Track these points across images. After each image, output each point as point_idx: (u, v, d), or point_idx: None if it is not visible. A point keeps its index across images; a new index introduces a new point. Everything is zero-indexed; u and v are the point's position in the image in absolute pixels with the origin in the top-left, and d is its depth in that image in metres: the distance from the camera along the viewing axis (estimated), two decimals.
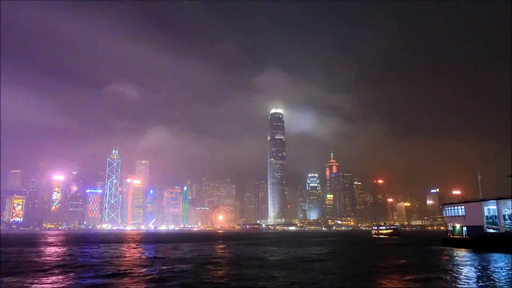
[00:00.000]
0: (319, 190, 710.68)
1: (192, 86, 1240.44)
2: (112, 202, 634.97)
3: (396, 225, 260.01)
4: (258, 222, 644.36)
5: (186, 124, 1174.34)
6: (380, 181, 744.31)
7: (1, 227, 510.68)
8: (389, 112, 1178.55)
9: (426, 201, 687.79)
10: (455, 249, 79.95)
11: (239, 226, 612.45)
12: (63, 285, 36.88)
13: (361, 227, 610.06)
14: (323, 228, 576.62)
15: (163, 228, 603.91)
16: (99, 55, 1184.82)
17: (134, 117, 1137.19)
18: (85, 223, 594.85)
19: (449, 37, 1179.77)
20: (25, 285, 36.53)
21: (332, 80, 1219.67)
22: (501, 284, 37.23)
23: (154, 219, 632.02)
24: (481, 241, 75.44)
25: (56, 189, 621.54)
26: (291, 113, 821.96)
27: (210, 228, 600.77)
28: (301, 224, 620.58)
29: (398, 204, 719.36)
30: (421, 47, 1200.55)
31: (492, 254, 65.55)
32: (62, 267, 51.14)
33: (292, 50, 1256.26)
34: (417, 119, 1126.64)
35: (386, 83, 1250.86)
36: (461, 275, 42.80)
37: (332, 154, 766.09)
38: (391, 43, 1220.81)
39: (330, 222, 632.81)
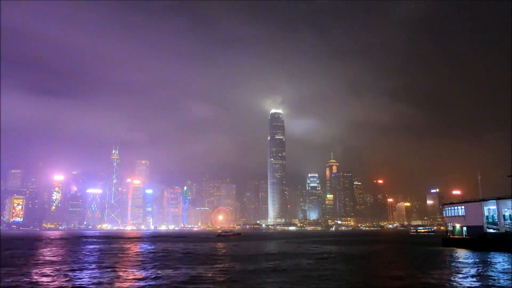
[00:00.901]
0: (319, 190, 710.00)
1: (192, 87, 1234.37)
2: (112, 202, 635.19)
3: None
4: (258, 222, 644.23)
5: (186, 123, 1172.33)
6: (380, 181, 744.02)
7: (1, 227, 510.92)
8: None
9: (426, 201, 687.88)
10: (455, 249, 79.89)
11: (239, 226, 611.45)
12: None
13: (361, 227, 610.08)
14: (349, 228, 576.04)
15: (163, 228, 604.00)
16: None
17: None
18: (85, 223, 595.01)
19: (450, 38, 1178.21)
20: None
21: (334, 79, 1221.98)
22: (501, 284, 37.18)
23: (151, 219, 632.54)
24: (481, 241, 75.35)
25: (56, 189, 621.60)
26: (291, 113, 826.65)
27: (210, 228, 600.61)
28: (301, 224, 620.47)
29: (398, 204, 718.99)
30: (422, 49, 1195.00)
31: (492, 254, 65.49)
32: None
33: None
34: (417, 119, 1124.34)
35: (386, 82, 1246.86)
36: (461, 275, 42.75)
37: (332, 154, 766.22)
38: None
39: (330, 222, 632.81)
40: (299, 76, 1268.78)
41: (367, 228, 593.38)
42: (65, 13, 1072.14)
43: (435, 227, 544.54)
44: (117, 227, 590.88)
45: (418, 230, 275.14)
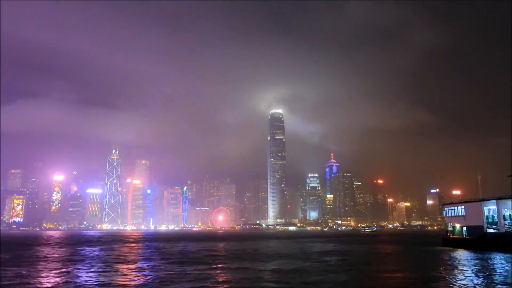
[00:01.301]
0: (319, 190, 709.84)
1: (191, 86, 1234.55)
2: (112, 202, 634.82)
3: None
4: (258, 222, 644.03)
5: (186, 124, 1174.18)
6: (380, 181, 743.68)
7: (1, 227, 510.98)
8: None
9: (426, 201, 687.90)
10: (455, 249, 79.94)
11: (239, 226, 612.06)
12: None
13: (361, 227, 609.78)
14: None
15: (163, 228, 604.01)
16: None
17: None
18: (85, 223, 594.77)
19: (452, 39, 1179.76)
20: None
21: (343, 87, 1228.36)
22: (501, 284, 37.23)
23: (151, 219, 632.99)
24: (481, 241, 75.41)
25: (56, 189, 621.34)
26: (291, 113, 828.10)
27: (210, 228, 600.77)
28: (301, 224, 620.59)
29: (398, 204, 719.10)
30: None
31: (492, 254, 65.53)
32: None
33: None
34: (417, 119, 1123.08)
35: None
36: (461, 275, 42.80)
37: (332, 154, 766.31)
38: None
39: (330, 222, 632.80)
40: (312, 83, 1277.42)
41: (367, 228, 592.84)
42: (101, 33, 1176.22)
43: (435, 227, 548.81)
44: (117, 227, 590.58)
45: (366, 230, 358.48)
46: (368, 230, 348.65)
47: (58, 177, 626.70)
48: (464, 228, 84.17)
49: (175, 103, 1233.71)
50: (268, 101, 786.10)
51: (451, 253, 71.14)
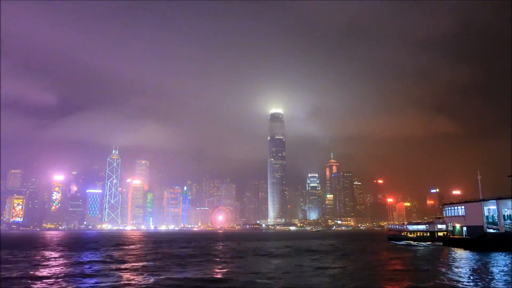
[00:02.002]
0: (319, 190, 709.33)
1: (192, 86, 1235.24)
2: (112, 202, 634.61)
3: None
4: (258, 222, 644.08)
5: (186, 124, 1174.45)
6: (380, 181, 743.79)
7: (1, 227, 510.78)
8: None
9: (426, 201, 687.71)
10: (455, 249, 79.96)
11: (239, 226, 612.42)
12: None
13: (361, 227, 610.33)
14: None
15: (163, 228, 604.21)
16: None
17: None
18: (85, 223, 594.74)
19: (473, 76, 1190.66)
20: None
21: (332, 78, 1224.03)
22: (501, 284, 37.28)
23: (151, 219, 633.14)
24: (481, 241, 75.48)
25: (56, 189, 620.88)
26: (291, 113, 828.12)
27: (210, 228, 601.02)
28: (301, 224, 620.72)
29: (398, 204, 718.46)
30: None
31: (492, 254, 65.57)
32: None
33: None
34: (417, 119, 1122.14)
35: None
36: (461, 275, 42.84)
37: (332, 154, 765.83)
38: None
39: (330, 222, 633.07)
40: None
41: (365, 229, 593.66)
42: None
43: None
44: (117, 227, 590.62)
45: (313, 230, 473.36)
46: (314, 230, 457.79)
47: (58, 177, 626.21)
48: (464, 228, 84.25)
49: (175, 104, 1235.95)
50: (269, 102, 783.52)
51: (451, 253, 71.17)
